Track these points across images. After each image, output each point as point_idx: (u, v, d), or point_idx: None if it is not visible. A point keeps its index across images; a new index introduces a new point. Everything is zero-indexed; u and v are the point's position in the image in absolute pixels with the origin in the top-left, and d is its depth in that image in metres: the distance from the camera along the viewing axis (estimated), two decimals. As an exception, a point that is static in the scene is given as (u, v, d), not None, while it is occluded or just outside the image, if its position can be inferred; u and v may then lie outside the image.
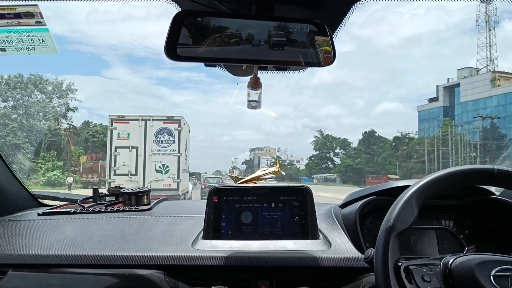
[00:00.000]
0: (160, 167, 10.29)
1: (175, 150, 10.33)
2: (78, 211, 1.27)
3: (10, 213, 1.32)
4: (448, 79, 46.80)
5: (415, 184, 0.77)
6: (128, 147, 10.15)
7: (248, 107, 0.96)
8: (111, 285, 0.96)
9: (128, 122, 10.32)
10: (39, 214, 1.25)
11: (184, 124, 10.59)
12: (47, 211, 1.27)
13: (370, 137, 49.94)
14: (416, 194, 0.75)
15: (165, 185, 10.21)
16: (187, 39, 0.81)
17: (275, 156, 72.88)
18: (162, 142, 10.30)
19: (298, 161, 69.97)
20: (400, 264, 0.73)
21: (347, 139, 53.76)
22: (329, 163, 54.24)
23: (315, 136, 54.44)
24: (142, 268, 0.97)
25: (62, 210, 1.29)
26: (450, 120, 41.91)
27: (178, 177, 10.33)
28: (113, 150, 10.20)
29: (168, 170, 10.31)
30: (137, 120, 10.32)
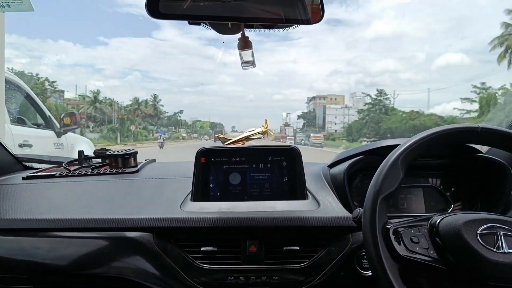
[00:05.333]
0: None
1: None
2: (64, 174, 1.25)
3: None
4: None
5: (400, 146, 0.77)
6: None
7: (243, 68, 0.93)
8: (100, 248, 0.97)
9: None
10: (23, 178, 1.23)
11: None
12: (31, 174, 1.25)
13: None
14: (402, 156, 0.75)
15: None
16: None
17: (345, 105, 61.04)
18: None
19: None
20: (388, 226, 0.73)
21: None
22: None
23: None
24: (130, 231, 0.97)
25: (47, 173, 1.26)
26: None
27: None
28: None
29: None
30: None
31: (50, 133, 3.91)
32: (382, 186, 0.73)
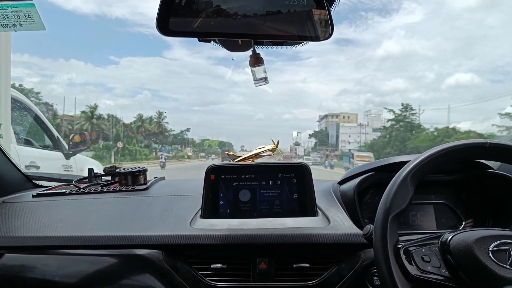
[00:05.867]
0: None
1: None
2: (74, 191, 1.25)
3: (4, 195, 1.30)
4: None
5: (410, 163, 0.77)
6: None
7: (256, 85, 0.93)
8: (109, 265, 0.96)
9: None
10: (33, 196, 1.23)
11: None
12: (42, 192, 1.26)
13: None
14: (412, 173, 0.75)
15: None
16: (179, 13, 0.78)
17: (359, 123, 58.07)
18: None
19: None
20: (399, 246, 0.73)
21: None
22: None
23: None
24: (140, 248, 0.96)
25: (57, 191, 1.27)
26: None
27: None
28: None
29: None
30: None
31: (58, 154, 3.82)
32: (392, 204, 0.73)
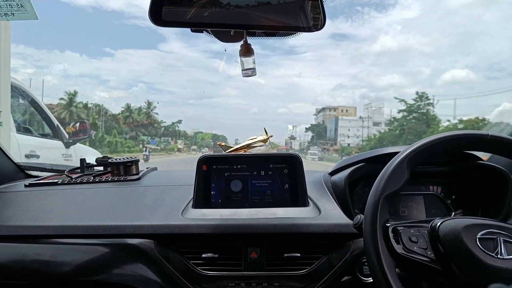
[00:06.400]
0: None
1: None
2: (66, 182, 1.25)
3: None
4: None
5: (409, 147, 0.78)
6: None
7: (243, 75, 0.93)
8: (101, 255, 0.97)
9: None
10: (26, 186, 1.23)
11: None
12: (34, 182, 1.26)
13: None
14: (409, 157, 0.76)
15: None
16: (172, 3, 0.78)
17: (359, 117, 55.49)
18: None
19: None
20: (388, 225, 0.74)
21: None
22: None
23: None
24: (132, 238, 0.97)
25: (50, 181, 1.27)
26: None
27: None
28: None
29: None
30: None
31: (58, 143, 3.77)
32: (387, 184, 0.74)
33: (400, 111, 33.51)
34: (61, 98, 37.96)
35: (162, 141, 53.28)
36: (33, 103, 3.73)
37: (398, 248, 0.70)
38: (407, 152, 0.76)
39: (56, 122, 3.89)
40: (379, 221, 0.71)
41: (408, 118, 32.72)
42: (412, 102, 32.72)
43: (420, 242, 0.72)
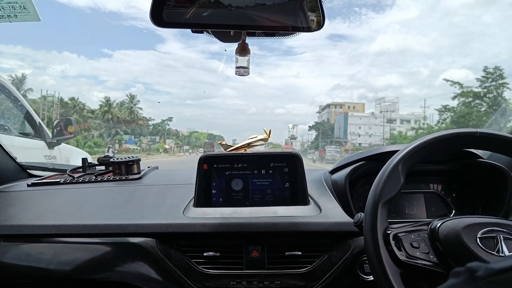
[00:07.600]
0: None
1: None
2: (68, 181, 1.26)
3: None
4: None
5: (400, 151, 0.78)
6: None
7: (236, 74, 0.93)
8: (103, 253, 0.97)
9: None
10: (28, 185, 1.24)
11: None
12: (36, 181, 1.26)
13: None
14: (402, 162, 0.76)
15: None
16: (173, 4, 0.79)
17: (371, 113, 50.94)
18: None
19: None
20: (389, 232, 0.74)
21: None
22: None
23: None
24: (134, 236, 0.98)
25: (52, 180, 1.28)
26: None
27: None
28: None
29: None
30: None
31: (40, 143, 3.30)
32: (383, 191, 0.74)
33: (455, 96, 23.26)
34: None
35: (149, 140, 49.25)
36: (14, 99, 3.28)
37: (401, 255, 0.71)
38: (399, 157, 0.76)
39: (38, 119, 3.46)
40: (379, 229, 0.71)
41: (467, 103, 22.84)
42: (470, 84, 23.88)
43: (421, 247, 0.72)
